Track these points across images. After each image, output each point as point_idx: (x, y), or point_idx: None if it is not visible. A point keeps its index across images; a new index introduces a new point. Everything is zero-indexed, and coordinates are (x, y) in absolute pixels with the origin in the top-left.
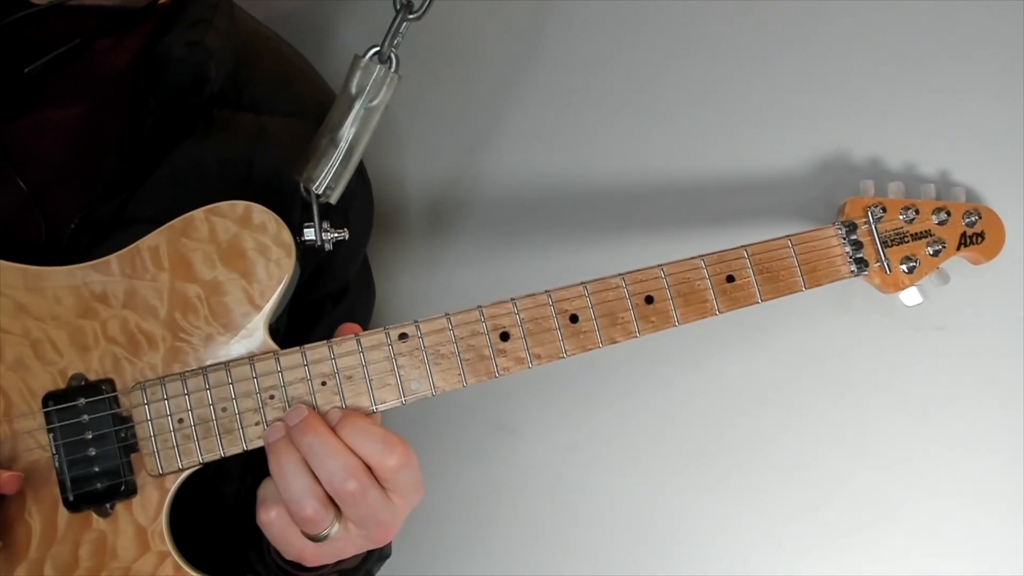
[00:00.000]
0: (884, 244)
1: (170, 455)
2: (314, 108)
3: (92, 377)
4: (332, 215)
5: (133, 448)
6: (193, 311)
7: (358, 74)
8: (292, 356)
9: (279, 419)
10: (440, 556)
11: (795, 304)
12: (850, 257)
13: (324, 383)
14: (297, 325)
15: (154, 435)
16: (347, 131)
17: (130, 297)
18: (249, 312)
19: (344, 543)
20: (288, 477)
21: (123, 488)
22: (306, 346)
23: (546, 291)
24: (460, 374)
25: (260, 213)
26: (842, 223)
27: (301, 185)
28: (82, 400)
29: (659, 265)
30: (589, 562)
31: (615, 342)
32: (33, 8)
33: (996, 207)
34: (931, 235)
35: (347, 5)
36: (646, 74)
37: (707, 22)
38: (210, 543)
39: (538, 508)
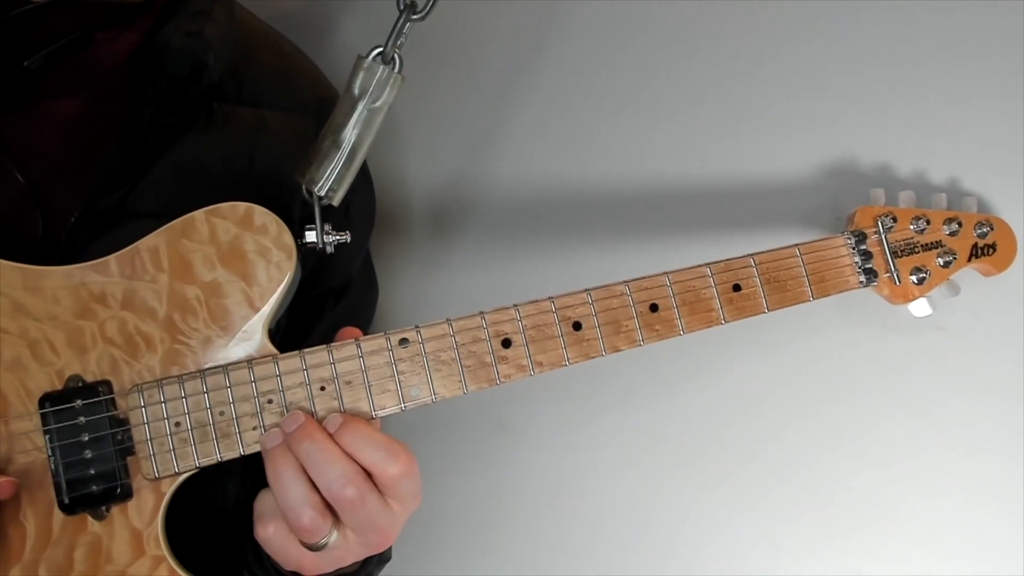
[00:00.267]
0: (894, 254)
1: (166, 459)
2: (314, 103)
3: (89, 378)
4: (333, 211)
5: (129, 451)
6: (192, 313)
7: (361, 75)
8: (291, 360)
9: (276, 425)
10: (442, 558)
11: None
12: (859, 267)
13: (323, 388)
14: (298, 322)
15: (150, 438)
16: (350, 132)
17: (129, 298)
18: (248, 315)
19: (343, 551)
20: (285, 485)
21: (119, 491)
22: (305, 350)
23: (549, 298)
24: (461, 381)
25: (261, 215)
26: (851, 232)
27: (303, 187)
28: (79, 402)
29: (664, 273)
30: (590, 563)
31: (618, 350)
32: (33, 3)
33: (1005, 215)
34: (942, 246)
35: (349, 5)
36: (652, 77)
37: (714, 24)
38: (207, 545)
39: (539, 509)
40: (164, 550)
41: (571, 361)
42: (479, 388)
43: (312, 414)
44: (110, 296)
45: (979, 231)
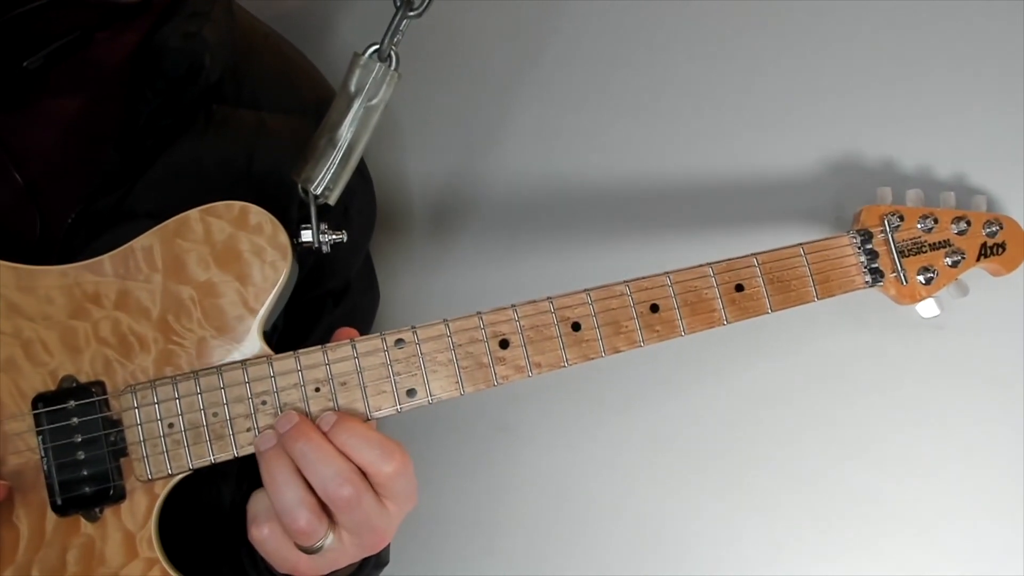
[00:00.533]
0: (901, 254)
1: (159, 460)
2: (313, 104)
3: (83, 379)
4: (331, 212)
5: (122, 452)
6: (186, 313)
7: (357, 72)
8: (286, 361)
9: (269, 427)
10: (442, 559)
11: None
12: (865, 267)
13: (318, 389)
14: (296, 324)
15: (143, 440)
16: (346, 130)
17: (122, 298)
18: (243, 315)
19: (338, 553)
20: (280, 487)
21: (112, 493)
22: (300, 351)
23: (548, 298)
24: (458, 382)
25: (256, 214)
26: (857, 231)
27: (299, 186)
28: (72, 402)
29: (665, 273)
30: (590, 563)
31: (618, 351)
32: (34, 3)
33: (1014, 213)
34: (950, 245)
35: (349, 5)
36: (653, 74)
37: (716, 20)
38: (201, 547)
39: (540, 510)
40: (157, 552)
41: (570, 362)
42: (476, 389)
43: (307, 415)
44: (104, 296)
45: (988, 230)
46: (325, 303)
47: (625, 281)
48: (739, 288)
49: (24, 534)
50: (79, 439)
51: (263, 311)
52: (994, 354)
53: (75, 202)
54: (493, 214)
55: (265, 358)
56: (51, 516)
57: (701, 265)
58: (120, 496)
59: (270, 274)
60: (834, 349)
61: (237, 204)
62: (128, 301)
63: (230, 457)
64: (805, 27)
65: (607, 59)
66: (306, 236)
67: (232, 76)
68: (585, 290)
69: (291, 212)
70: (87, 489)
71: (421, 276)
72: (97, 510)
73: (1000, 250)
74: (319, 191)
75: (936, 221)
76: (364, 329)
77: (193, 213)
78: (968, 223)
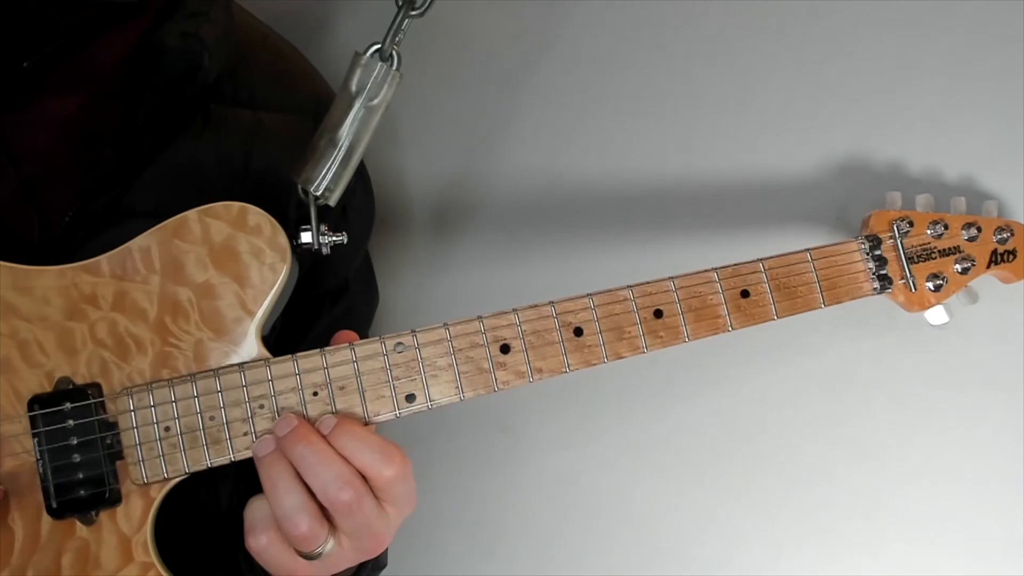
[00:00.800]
0: (910, 260)
1: (155, 464)
2: (312, 104)
3: (79, 381)
4: (329, 213)
5: (118, 455)
6: (184, 315)
7: (358, 72)
8: (284, 364)
9: (268, 431)
10: (443, 560)
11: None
12: (873, 273)
13: (316, 393)
14: (293, 325)
15: (139, 443)
16: (346, 131)
17: (119, 299)
18: (241, 317)
19: (337, 558)
20: (280, 493)
21: (107, 496)
22: (298, 354)
23: (550, 302)
24: (457, 387)
25: (255, 215)
26: (866, 237)
27: (299, 187)
28: (68, 405)
29: (670, 278)
30: (592, 564)
31: (621, 357)
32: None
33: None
34: (960, 251)
35: (350, 5)
36: (657, 75)
37: (720, 21)
38: (199, 551)
39: (540, 511)
40: (153, 557)
41: (572, 368)
42: (476, 395)
43: (305, 418)
44: (101, 297)
45: (999, 236)
46: (323, 303)
47: (629, 286)
48: (744, 294)
49: (19, 537)
50: (75, 442)
51: (261, 313)
52: (995, 357)
53: (72, 202)
54: (495, 216)
55: (263, 361)
56: (46, 519)
57: (706, 270)
58: (116, 499)
59: (269, 276)
60: (835, 352)
61: (236, 205)
62: (125, 302)
63: (227, 461)
64: (810, 28)
65: (610, 60)
66: (306, 237)
67: (230, 76)
68: (588, 294)
69: (289, 212)
70: (83, 492)
71: (422, 279)
72: (93, 513)
73: (1011, 257)
74: (319, 192)
75: (946, 227)
76: (361, 330)
77: (191, 214)
78: (979, 229)
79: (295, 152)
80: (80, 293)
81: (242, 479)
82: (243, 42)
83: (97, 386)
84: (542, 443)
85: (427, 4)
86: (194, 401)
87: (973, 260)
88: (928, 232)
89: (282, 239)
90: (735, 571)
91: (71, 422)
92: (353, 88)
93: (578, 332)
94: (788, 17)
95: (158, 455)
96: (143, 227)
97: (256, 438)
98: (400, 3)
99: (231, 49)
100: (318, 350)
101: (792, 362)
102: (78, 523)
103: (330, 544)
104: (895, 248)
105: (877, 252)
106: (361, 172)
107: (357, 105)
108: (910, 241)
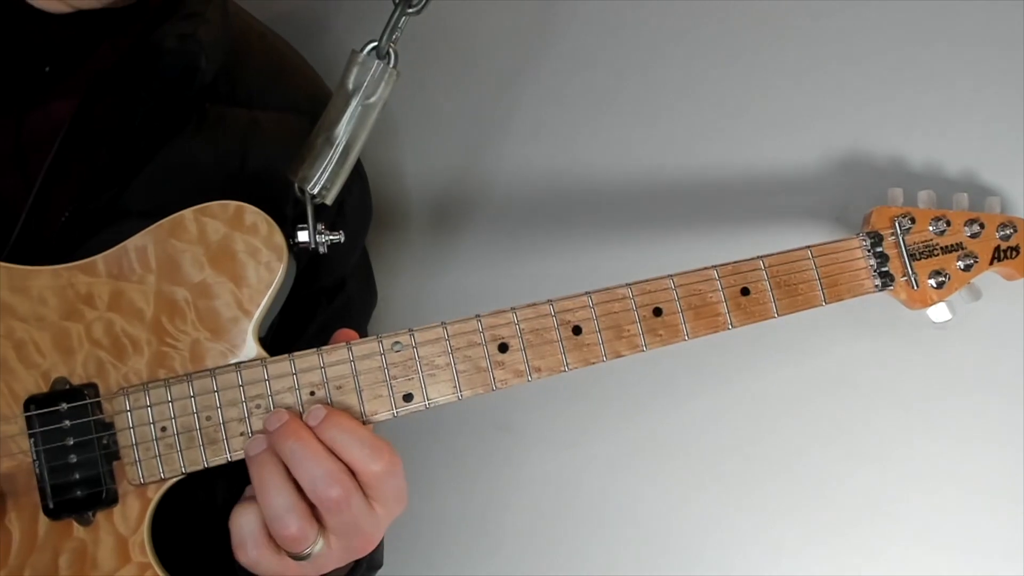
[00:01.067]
0: (912, 257)
1: (152, 464)
2: (308, 103)
3: (75, 381)
4: (326, 210)
5: (115, 456)
6: (180, 315)
7: (355, 70)
8: (281, 364)
9: (259, 431)
10: (443, 559)
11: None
12: (875, 270)
13: (312, 393)
14: (290, 323)
15: (136, 443)
16: (343, 129)
17: (116, 299)
18: (238, 317)
19: (325, 558)
20: (271, 493)
21: (104, 496)
22: (295, 354)
23: (548, 300)
24: (455, 387)
25: (251, 214)
26: (867, 234)
27: (296, 185)
28: (64, 405)
29: (669, 275)
30: (592, 564)
31: (620, 356)
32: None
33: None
34: (963, 248)
35: (349, 5)
36: (655, 72)
37: (720, 18)
38: (196, 551)
39: (541, 511)
40: (150, 557)
41: (570, 367)
42: (474, 394)
43: (299, 415)
44: (97, 297)
45: (1002, 233)
46: (319, 301)
47: (628, 284)
48: (745, 292)
49: (16, 538)
50: (71, 442)
51: (258, 313)
52: (994, 353)
53: (69, 202)
54: (492, 214)
55: (259, 361)
56: (43, 520)
57: (706, 268)
58: (113, 500)
59: (265, 275)
60: (835, 351)
61: (232, 204)
62: (121, 302)
63: (223, 461)
64: (811, 23)
65: (608, 57)
66: (302, 236)
67: (227, 76)
68: (586, 292)
69: (286, 211)
70: (79, 493)
71: (419, 277)
72: (90, 514)
73: (1014, 253)
74: (316, 191)
75: (949, 223)
76: (359, 328)
77: (187, 213)
78: (981, 225)
79: (292, 151)
80: (76, 293)
81: (237, 478)
82: (240, 41)
83: (93, 386)
84: (542, 443)
85: (424, 2)
86: (191, 401)
87: (976, 257)
88: (930, 229)
89: (278, 238)
90: (736, 571)
91: (67, 422)
92: (350, 86)
93: (577, 331)
94: (788, 13)
95: (154, 455)
96: (140, 227)
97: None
98: (397, 1)
99: (228, 49)
100: (315, 349)
101: (792, 360)
102: (75, 524)
103: (319, 544)
104: (897, 245)
105: (879, 249)
106: (358, 170)
107: (354, 103)
108: (912, 238)
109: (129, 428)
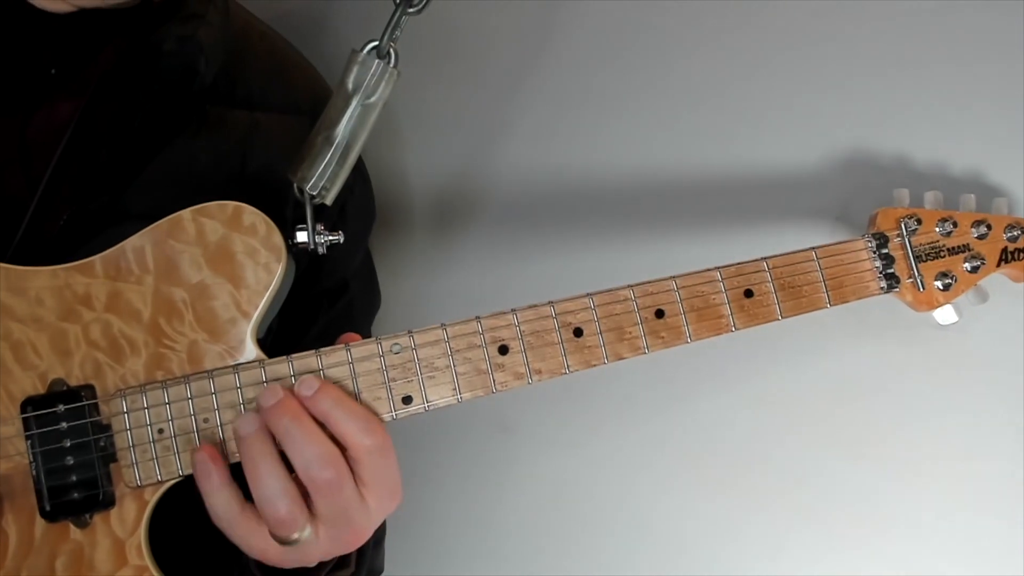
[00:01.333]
0: (918, 259)
1: (149, 467)
2: (309, 103)
3: (73, 382)
4: (327, 211)
5: (112, 458)
6: (178, 316)
7: (355, 69)
8: (279, 366)
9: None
10: (441, 559)
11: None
12: (880, 272)
13: None
14: (293, 324)
15: (133, 445)
16: (343, 129)
17: (113, 300)
18: (236, 318)
19: (311, 547)
20: (263, 475)
21: (101, 499)
22: (294, 355)
23: (549, 302)
24: (455, 389)
25: (250, 214)
26: (872, 235)
27: (295, 185)
28: (61, 407)
29: (671, 277)
30: (590, 563)
31: (621, 358)
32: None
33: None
34: (969, 250)
35: (345, 1)
36: (657, 71)
37: (721, 16)
38: (193, 553)
39: (540, 510)
40: (147, 560)
41: (571, 369)
42: (474, 396)
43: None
44: (94, 298)
45: (1009, 234)
46: (321, 303)
47: (629, 285)
48: (748, 294)
49: (12, 540)
50: (68, 444)
51: (256, 314)
52: (995, 354)
53: (69, 203)
54: (493, 216)
55: (258, 363)
56: (40, 522)
57: (709, 269)
58: (109, 502)
59: (264, 276)
60: (834, 350)
61: (231, 204)
62: (119, 303)
63: None
64: (814, 22)
65: (609, 56)
66: (301, 237)
67: (226, 76)
68: (588, 294)
69: (285, 212)
70: (76, 495)
71: (419, 279)
72: (87, 516)
73: (1021, 255)
74: (315, 191)
75: (955, 225)
76: (362, 330)
77: (185, 213)
78: (989, 227)
79: (292, 152)
80: (74, 294)
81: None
82: (240, 41)
83: (91, 388)
84: (543, 444)
85: (424, 2)
86: (188, 403)
87: (983, 258)
88: (937, 230)
89: (277, 239)
90: (736, 571)
91: (64, 424)
92: (350, 86)
93: (578, 333)
94: (791, 11)
95: (152, 458)
96: (139, 228)
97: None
98: (397, 1)
99: (228, 49)
100: (314, 351)
101: (793, 363)
102: (72, 526)
103: (307, 531)
104: (903, 246)
105: (884, 250)
106: (360, 170)
107: (354, 103)
108: (918, 239)
109: (126, 430)
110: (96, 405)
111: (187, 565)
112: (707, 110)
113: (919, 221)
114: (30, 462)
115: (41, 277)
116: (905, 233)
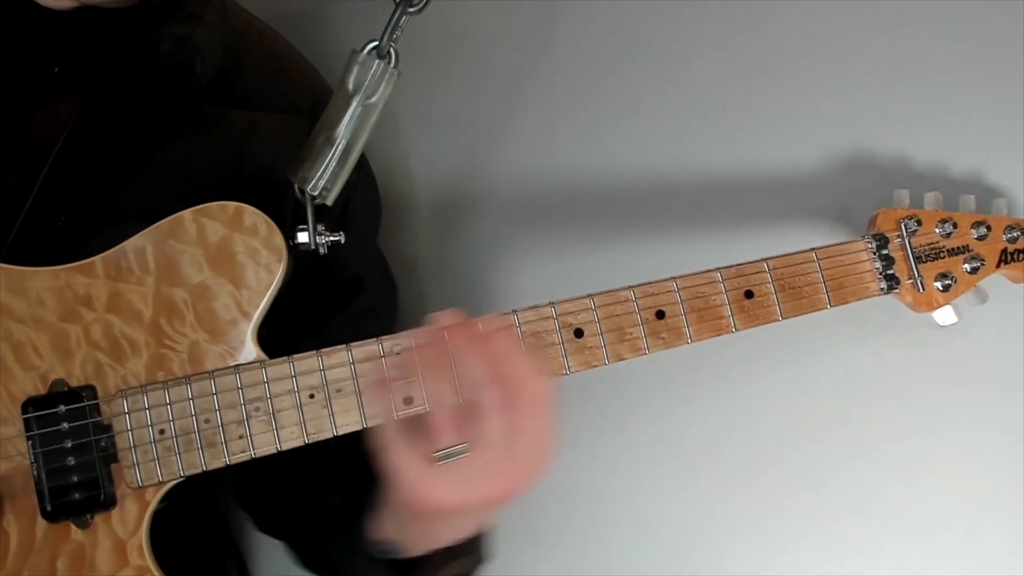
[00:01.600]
0: (918, 260)
1: (150, 467)
2: (308, 103)
3: (74, 383)
4: (330, 210)
5: (113, 458)
6: (179, 317)
7: (355, 69)
8: (280, 366)
9: (267, 431)
10: None
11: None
12: (880, 273)
13: (312, 396)
14: (302, 321)
15: (134, 446)
16: (344, 129)
17: (114, 301)
18: (237, 319)
19: (459, 483)
20: (436, 376)
21: (102, 499)
22: (295, 356)
23: (550, 303)
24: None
25: (251, 215)
26: (872, 236)
27: (296, 186)
28: (62, 407)
29: (672, 278)
30: (591, 563)
31: (622, 359)
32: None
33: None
34: (969, 251)
35: (346, 1)
36: (659, 71)
37: (722, 17)
38: (194, 553)
39: (539, 510)
40: (148, 560)
41: (572, 370)
42: None
43: (300, 423)
44: (95, 298)
45: (1008, 235)
46: (332, 300)
47: (630, 286)
48: (749, 294)
49: (14, 540)
50: (69, 444)
51: (257, 315)
52: (995, 354)
53: (67, 202)
54: (494, 217)
55: (259, 363)
56: (41, 522)
57: (709, 270)
58: (111, 503)
59: (264, 277)
60: (836, 352)
61: (232, 205)
62: (120, 304)
63: (222, 465)
64: (813, 22)
65: (611, 56)
66: (302, 237)
67: (224, 77)
68: (588, 295)
69: (285, 212)
70: (77, 495)
71: (420, 280)
72: (88, 517)
73: (1021, 256)
74: (316, 191)
75: (955, 226)
76: (386, 327)
77: (186, 214)
78: (988, 228)
79: (292, 152)
80: (74, 294)
81: (237, 480)
82: (239, 41)
83: (92, 388)
84: None
85: (424, 1)
86: (189, 403)
87: (982, 259)
88: (936, 231)
89: (278, 239)
90: (737, 571)
91: (65, 425)
92: (350, 86)
93: (578, 333)
94: (791, 12)
95: (152, 458)
96: (138, 228)
97: (252, 442)
98: (397, 0)
99: (225, 51)
100: (314, 352)
101: (795, 364)
102: (73, 526)
103: (464, 445)
104: (903, 247)
105: (884, 251)
106: (364, 168)
107: (354, 103)
108: (918, 240)
109: (127, 431)
110: (97, 406)
111: (188, 566)
112: (708, 110)
113: (919, 222)
114: (31, 463)
115: (42, 277)
116: (905, 234)
